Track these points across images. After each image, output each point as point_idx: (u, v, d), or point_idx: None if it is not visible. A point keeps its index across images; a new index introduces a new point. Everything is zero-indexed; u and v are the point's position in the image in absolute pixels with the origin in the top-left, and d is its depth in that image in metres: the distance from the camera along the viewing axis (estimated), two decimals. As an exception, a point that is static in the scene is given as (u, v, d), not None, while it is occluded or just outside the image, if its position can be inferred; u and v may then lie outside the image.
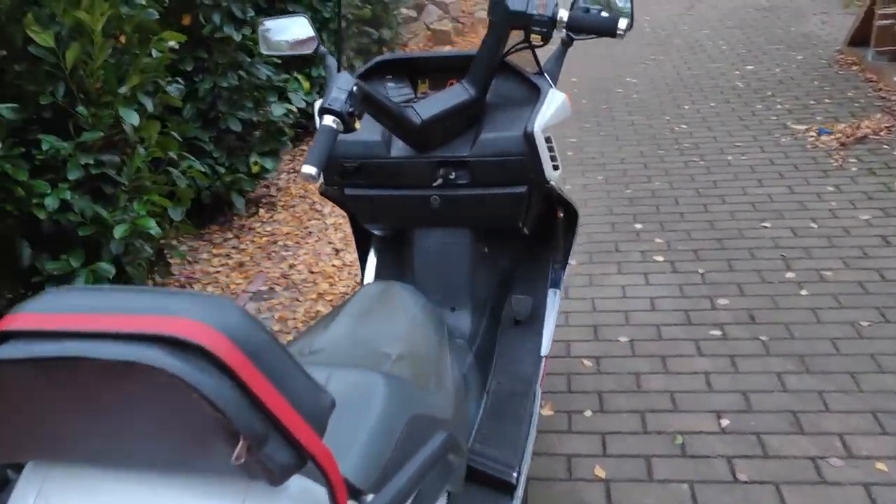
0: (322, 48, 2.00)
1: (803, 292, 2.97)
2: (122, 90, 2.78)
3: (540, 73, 1.91)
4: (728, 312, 2.89)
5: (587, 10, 1.95)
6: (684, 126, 4.92)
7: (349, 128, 1.52)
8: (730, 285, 3.07)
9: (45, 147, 2.60)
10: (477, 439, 1.81)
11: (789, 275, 3.10)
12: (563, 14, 1.73)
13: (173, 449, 0.78)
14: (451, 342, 1.57)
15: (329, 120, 1.50)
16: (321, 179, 1.46)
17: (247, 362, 0.74)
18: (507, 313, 2.15)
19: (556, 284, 2.19)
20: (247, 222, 4.03)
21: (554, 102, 1.86)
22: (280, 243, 3.80)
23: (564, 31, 1.75)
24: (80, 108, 2.64)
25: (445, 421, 1.21)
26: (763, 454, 2.19)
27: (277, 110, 3.83)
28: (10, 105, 2.53)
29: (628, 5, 1.91)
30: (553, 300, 2.16)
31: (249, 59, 3.92)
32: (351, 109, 1.51)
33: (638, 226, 3.63)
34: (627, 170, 4.30)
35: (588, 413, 2.40)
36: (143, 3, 2.90)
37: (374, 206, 1.98)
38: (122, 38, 2.85)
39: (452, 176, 1.87)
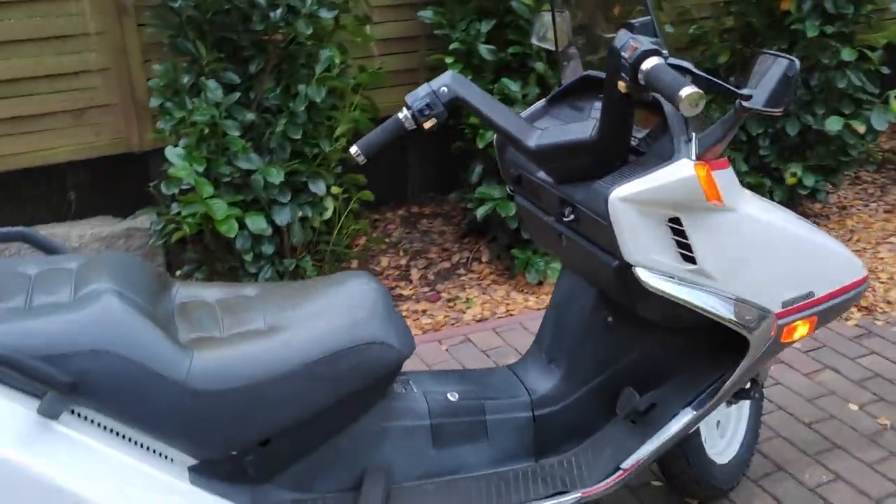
0: (572, 50, 1.90)
1: None
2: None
3: (688, 136, 1.47)
4: None
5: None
6: None
7: (419, 126, 1.56)
8: None
9: (510, 90, 3.06)
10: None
11: None
12: (651, 63, 1.30)
13: None
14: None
15: (403, 112, 1.58)
16: (363, 160, 1.58)
17: None
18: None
19: (696, 406, 1.70)
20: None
21: (671, 174, 1.45)
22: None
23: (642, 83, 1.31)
24: (538, 64, 2.97)
25: (169, 379, 1.31)
26: None
27: (833, 124, 3.28)
28: (489, 47, 3.05)
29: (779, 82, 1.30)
30: (681, 418, 1.71)
31: (850, 62, 3.40)
32: (422, 107, 1.54)
33: None
34: None
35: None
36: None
37: (527, 222, 1.89)
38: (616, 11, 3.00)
39: (570, 218, 1.66)
